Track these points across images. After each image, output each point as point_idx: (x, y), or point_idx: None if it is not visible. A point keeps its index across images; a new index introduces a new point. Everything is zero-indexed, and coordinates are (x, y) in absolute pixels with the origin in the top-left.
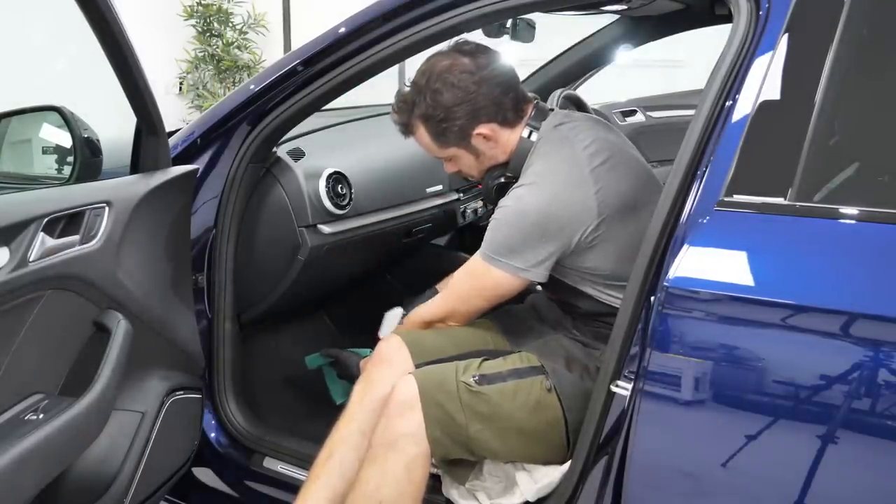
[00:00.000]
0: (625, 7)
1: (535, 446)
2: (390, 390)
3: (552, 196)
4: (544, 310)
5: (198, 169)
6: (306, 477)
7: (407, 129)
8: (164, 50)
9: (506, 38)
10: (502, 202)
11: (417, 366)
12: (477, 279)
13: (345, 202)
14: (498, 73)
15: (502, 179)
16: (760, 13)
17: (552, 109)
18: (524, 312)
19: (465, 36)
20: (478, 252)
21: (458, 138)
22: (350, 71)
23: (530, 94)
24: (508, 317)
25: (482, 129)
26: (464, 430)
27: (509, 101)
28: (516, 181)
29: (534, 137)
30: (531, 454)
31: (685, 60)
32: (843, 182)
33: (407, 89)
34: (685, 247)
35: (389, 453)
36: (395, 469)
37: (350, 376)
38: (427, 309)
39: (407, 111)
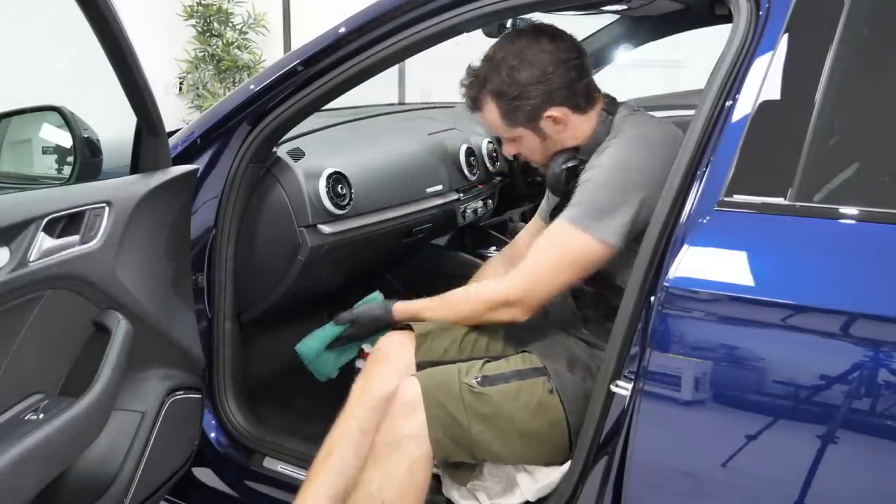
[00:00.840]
0: (625, 7)
1: (537, 448)
2: (390, 388)
3: (640, 152)
4: (552, 308)
5: (198, 169)
6: (306, 475)
7: (475, 104)
8: (164, 50)
9: None
10: (589, 166)
11: (419, 364)
12: (565, 249)
13: (345, 202)
14: (575, 57)
15: (571, 163)
16: (760, 13)
17: (622, 102)
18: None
19: (466, 36)
20: (560, 220)
21: (527, 119)
22: (350, 71)
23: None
24: None
25: (554, 111)
26: (466, 431)
27: (583, 87)
28: (585, 162)
29: (610, 123)
30: (532, 456)
31: (685, 60)
32: (843, 182)
33: (479, 63)
34: (685, 247)
35: (393, 454)
36: (398, 470)
37: (385, 326)
38: (495, 289)
39: (478, 86)
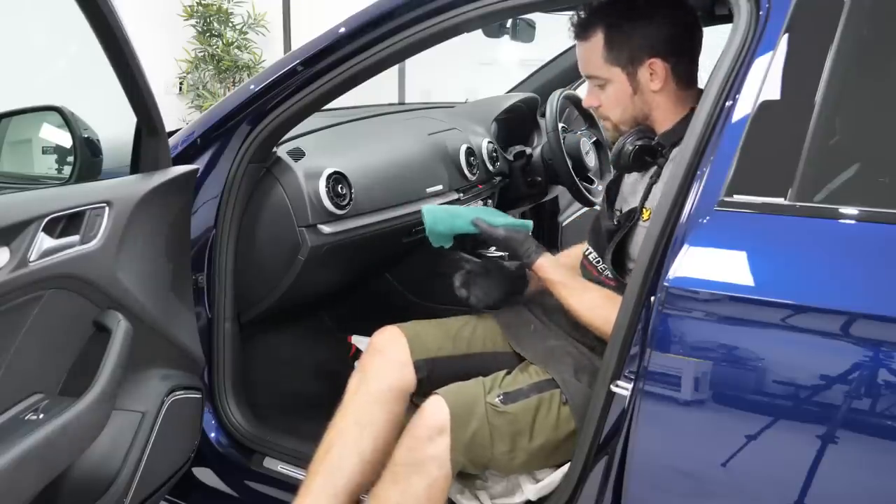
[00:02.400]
0: None
1: (550, 457)
2: (386, 382)
3: None
4: (556, 311)
5: (198, 169)
6: (305, 473)
7: (583, 31)
8: (164, 50)
9: (506, 38)
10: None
11: (416, 364)
12: None
13: (345, 202)
14: (695, 29)
15: (642, 142)
16: (760, 13)
17: None
18: (529, 312)
19: (466, 36)
20: None
21: (629, 59)
22: (350, 71)
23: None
24: (512, 315)
25: (657, 62)
26: (487, 451)
27: (688, 58)
28: (660, 152)
29: None
30: (545, 464)
31: None
32: (843, 182)
33: None
34: (685, 247)
35: (413, 475)
36: (417, 490)
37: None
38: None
39: (593, 13)
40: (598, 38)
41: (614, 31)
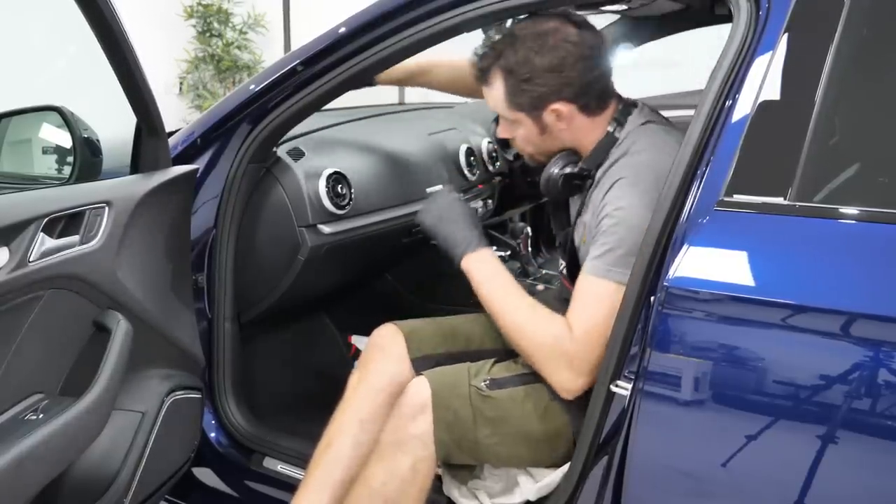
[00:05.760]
0: (625, 7)
1: (541, 452)
2: (386, 378)
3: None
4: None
5: (198, 169)
6: (306, 468)
7: (483, 77)
8: (164, 50)
9: None
10: (617, 202)
11: (414, 361)
12: (612, 305)
13: (345, 202)
14: (598, 55)
15: (569, 169)
16: (760, 13)
17: (634, 104)
18: None
19: (466, 36)
20: (597, 271)
21: (531, 106)
22: (350, 71)
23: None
24: None
25: (560, 105)
26: (472, 434)
27: (597, 90)
28: (588, 175)
29: (619, 134)
30: (536, 460)
31: (685, 60)
32: (843, 182)
33: (498, 36)
34: (685, 247)
35: (398, 453)
36: (401, 469)
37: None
38: (558, 335)
39: (491, 58)
40: (498, 84)
41: (512, 77)
